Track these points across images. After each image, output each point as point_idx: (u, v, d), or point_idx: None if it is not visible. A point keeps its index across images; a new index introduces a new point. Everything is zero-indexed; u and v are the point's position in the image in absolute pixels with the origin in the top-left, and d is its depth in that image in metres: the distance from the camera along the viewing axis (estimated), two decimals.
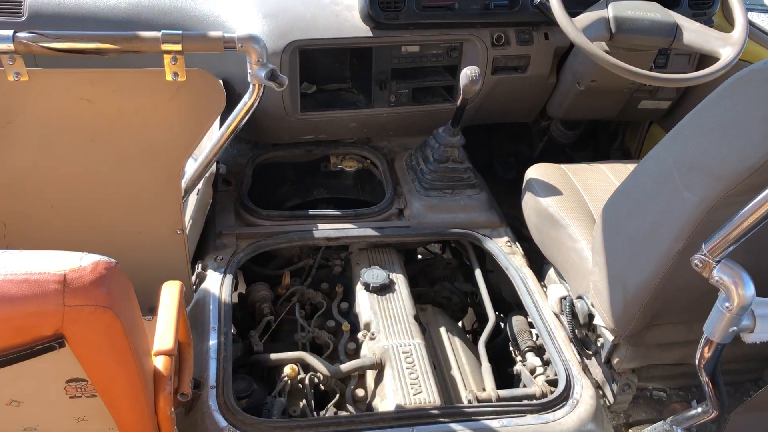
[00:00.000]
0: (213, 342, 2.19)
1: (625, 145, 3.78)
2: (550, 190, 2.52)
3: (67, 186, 2.06)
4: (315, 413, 2.26)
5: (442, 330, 2.65)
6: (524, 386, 2.36)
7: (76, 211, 2.12)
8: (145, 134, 1.99)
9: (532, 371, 2.34)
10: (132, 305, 1.28)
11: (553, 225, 2.43)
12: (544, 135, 3.71)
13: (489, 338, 2.48)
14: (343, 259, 2.87)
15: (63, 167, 2.02)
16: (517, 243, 2.75)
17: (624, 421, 2.26)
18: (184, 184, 2.22)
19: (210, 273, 2.48)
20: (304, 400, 2.27)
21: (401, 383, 2.18)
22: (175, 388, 1.84)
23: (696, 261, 1.45)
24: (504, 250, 2.70)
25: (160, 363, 1.48)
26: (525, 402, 2.08)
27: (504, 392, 2.20)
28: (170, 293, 1.63)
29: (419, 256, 3.35)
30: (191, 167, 2.24)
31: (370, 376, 2.32)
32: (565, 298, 2.32)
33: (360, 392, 2.31)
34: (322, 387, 2.33)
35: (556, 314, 2.39)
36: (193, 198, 2.51)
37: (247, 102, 2.01)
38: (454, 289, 2.90)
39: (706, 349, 1.50)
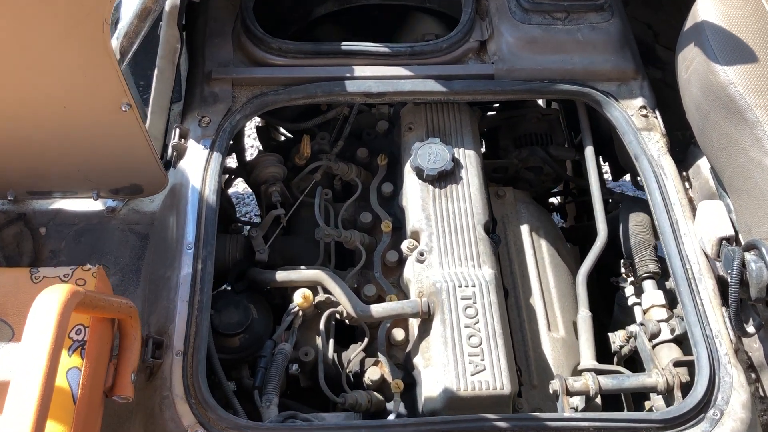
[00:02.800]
0: (186, 271, 1.50)
1: None
2: (737, 50, 1.50)
3: None
4: (336, 359, 1.64)
5: (524, 230, 1.87)
6: (635, 365, 1.63)
7: None
8: None
9: (654, 335, 1.59)
10: None
11: (730, 115, 1.47)
12: None
13: (594, 266, 1.70)
14: (393, 106, 2.01)
15: None
16: (657, 111, 1.79)
17: None
18: (119, 36, 1.35)
19: (191, 145, 1.70)
20: (319, 339, 1.64)
21: (455, 351, 1.49)
22: (108, 386, 1.23)
23: None
24: (635, 122, 1.77)
25: None
26: (639, 418, 1.36)
27: (610, 381, 1.49)
28: (36, 333, 0.89)
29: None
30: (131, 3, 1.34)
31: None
32: (728, 240, 1.46)
33: (399, 334, 1.65)
34: (347, 321, 1.67)
35: (706, 254, 1.55)
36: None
37: None
38: (547, 158, 2.03)
39: None
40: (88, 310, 1.03)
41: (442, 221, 1.68)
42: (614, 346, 1.71)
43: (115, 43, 1.38)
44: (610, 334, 1.73)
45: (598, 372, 1.54)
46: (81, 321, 1.19)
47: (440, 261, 1.62)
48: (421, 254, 1.65)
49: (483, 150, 2.28)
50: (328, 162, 1.87)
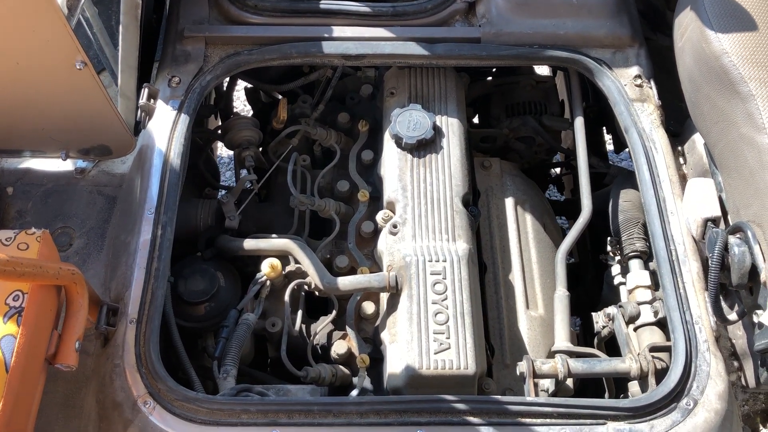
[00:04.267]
0: (146, 237, 1.46)
1: None
2: (734, 17, 1.39)
3: None
4: (304, 330, 1.59)
5: (509, 204, 1.79)
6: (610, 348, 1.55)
7: None
8: None
9: (633, 317, 1.51)
10: None
11: (723, 87, 1.37)
12: None
13: (577, 240, 1.63)
14: (378, 68, 1.92)
15: None
16: (653, 81, 1.69)
17: (762, 406, 1.48)
18: None
19: (160, 107, 1.64)
20: (287, 310, 1.59)
21: (420, 328, 1.43)
22: (51, 354, 1.19)
23: None
24: (628, 92, 1.66)
25: None
26: (605, 405, 1.30)
27: (581, 364, 1.42)
28: None
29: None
30: None
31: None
32: (714, 222, 1.37)
33: (369, 307, 1.60)
34: (317, 292, 1.62)
35: (693, 237, 1.46)
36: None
37: None
38: (539, 128, 1.94)
39: None
40: (11, 277, 0.99)
41: (419, 192, 1.61)
42: (597, 326, 1.65)
43: None
44: (593, 314, 1.66)
45: (572, 354, 1.48)
46: (20, 287, 1.15)
47: (413, 234, 1.55)
48: (395, 226, 1.58)
49: (475, 119, 2.19)
50: (306, 126, 1.80)
